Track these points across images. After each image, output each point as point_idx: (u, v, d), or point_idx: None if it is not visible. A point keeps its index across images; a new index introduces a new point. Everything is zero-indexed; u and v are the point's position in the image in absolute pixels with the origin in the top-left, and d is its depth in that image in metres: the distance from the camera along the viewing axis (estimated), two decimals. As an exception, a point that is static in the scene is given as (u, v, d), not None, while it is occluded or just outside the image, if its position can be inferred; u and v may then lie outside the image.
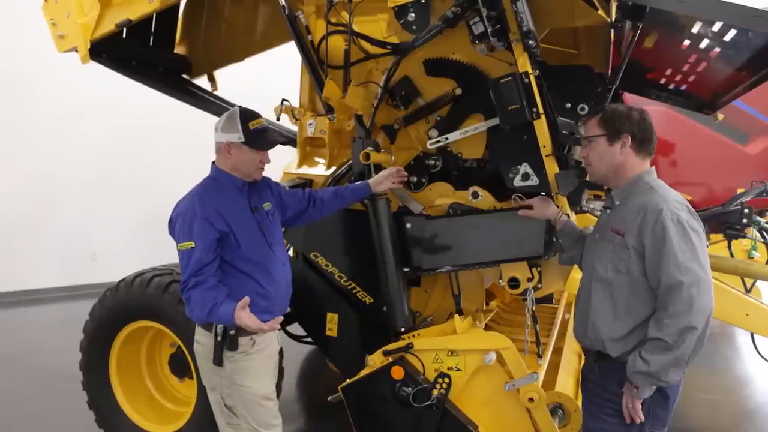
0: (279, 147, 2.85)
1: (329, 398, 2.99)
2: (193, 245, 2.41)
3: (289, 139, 4.38)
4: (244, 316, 2.33)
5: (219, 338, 2.49)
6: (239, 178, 2.62)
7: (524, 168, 2.71)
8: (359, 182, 2.98)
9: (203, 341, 2.58)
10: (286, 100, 4.24)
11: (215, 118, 4.66)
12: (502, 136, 2.73)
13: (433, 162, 3.06)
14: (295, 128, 4.40)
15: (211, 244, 2.44)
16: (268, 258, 2.63)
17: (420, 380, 2.75)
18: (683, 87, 3.67)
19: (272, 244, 2.66)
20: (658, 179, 2.23)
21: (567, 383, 3.16)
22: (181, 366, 3.53)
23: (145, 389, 3.72)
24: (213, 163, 2.66)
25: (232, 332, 2.47)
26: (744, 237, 4.09)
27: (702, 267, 2.02)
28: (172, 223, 2.54)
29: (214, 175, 2.63)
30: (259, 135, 2.59)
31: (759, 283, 4.19)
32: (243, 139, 2.54)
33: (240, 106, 2.61)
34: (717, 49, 2.85)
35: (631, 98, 4.12)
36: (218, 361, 2.50)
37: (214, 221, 2.45)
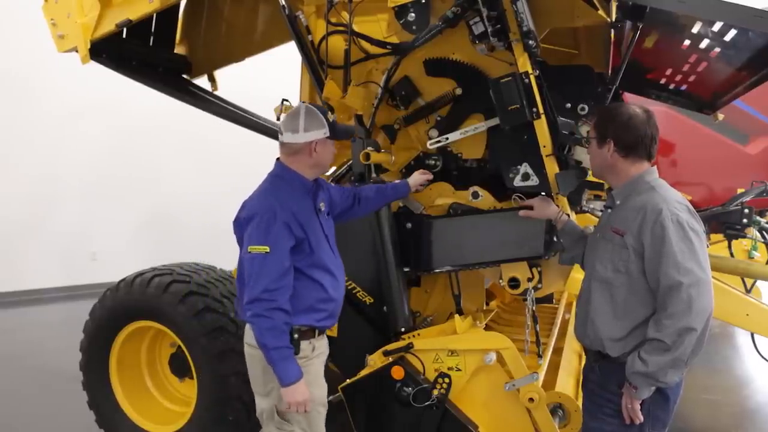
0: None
1: (329, 398, 2.98)
2: (268, 250, 2.25)
3: None
4: (300, 393, 2.27)
5: None
6: (308, 178, 2.47)
7: (524, 168, 2.71)
8: (399, 181, 2.92)
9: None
10: (286, 100, 4.22)
11: (215, 118, 4.73)
12: (502, 136, 2.73)
13: (433, 162, 3.05)
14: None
15: (287, 253, 2.29)
16: (333, 261, 2.50)
17: (420, 380, 2.75)
18: (683, 87, 3.67)
19: (332, 246, 2.54)
20: (659, 179, 2.22)
21: (567, 383, 3.16)
22: (181, 366, 3.53)
23: (145, 389, 3.71)
24: (278, 160, 2.49)
25: (296, 336, 2.34)
26: (744, 237, 4.08)
27: (701, 267, 2.01)
28: (240, 222, 2.35)
29: (280, 172, 2.45)
30: (338, 126, 2.51)
31: (759, 283, 4.18)
32: (329, 134, 2.43)
33: (304, 102, 2.54)
34: (717, 49, 2.85)
35: (631, 98, 4.12)
36: None
37: (293, 227, 2.31)
